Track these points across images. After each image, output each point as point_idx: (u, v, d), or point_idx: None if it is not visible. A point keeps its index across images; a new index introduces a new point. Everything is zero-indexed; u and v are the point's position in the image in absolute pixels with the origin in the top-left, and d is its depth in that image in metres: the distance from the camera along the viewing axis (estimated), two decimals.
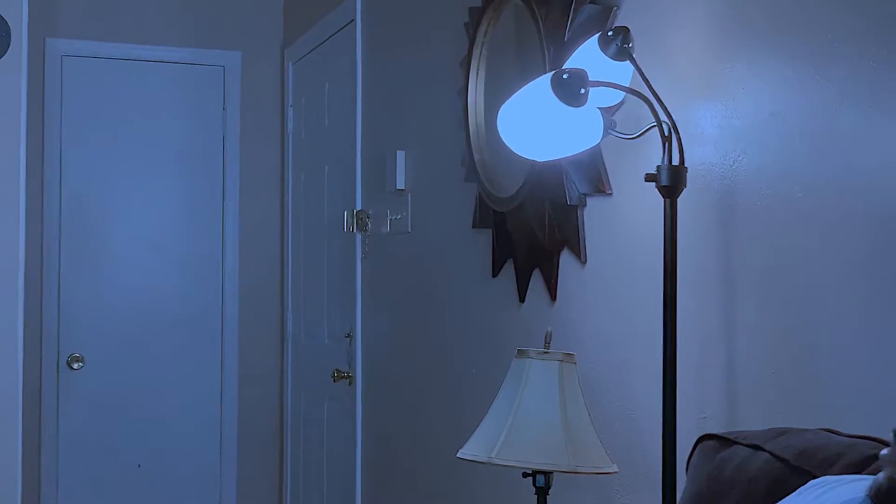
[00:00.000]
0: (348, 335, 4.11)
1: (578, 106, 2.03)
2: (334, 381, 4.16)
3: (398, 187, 3.65)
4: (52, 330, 4.59)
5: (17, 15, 3.39)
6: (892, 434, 1.16)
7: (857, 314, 1.84)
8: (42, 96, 4.55)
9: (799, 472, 1.55)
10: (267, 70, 4.88)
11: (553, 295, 2.71)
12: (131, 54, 4.74)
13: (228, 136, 4.87)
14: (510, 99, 2.12)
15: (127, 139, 4.74)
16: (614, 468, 2.15)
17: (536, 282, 2.79)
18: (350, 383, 4.09)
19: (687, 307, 2.13)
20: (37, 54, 4.48)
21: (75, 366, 4.59)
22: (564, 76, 2.01)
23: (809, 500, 1.36)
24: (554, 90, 2.00)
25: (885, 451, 1.20)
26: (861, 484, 1.34)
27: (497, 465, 2.08)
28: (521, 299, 2.86)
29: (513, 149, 2.17)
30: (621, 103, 2.35)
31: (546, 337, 2.19)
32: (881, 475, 1.18)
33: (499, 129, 2.16)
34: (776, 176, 2.01)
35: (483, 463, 2.10)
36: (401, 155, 3.66)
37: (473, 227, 3.11)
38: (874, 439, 1.56)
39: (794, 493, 1.41)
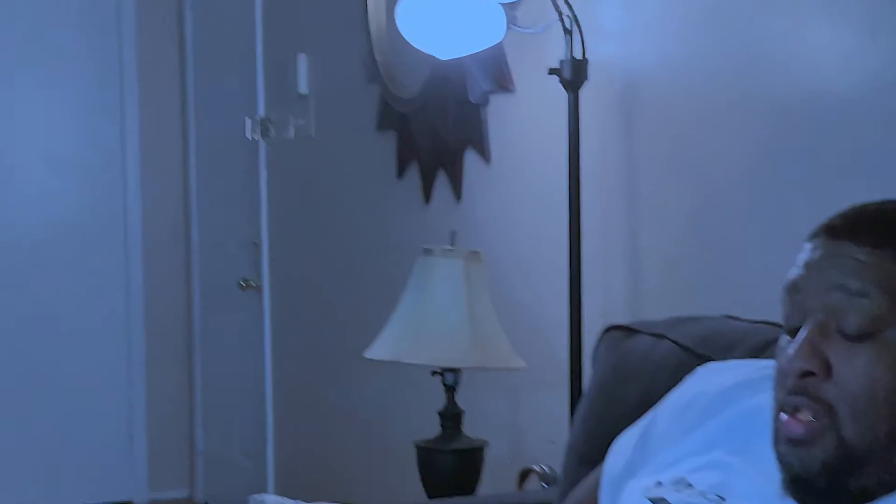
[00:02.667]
0: (255, 243, 4.06)
1: None
2: (242, 290, 4.12)
3: (301, 92, 3.59)
4: None
5: None
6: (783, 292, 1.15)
7: (757, 203, 1.86)
8: None
9: (701, 359, 1.57)
10: None
11: (458, 194, 2.70)
12: None
13: (124, 40, 4.73)
14: None
15: (14, 45, 4.58)
16: (521, 363, 2.17)
17: (441, 182, 2.78)
18: (257, 292, 4.05)
19: (591, 201, 2.14)
20: None
21: None
22: None
23: (696, 385, 1.38)
24: None
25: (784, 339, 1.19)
26: (746, 369, 1.36)
27: (405, 363, 2.08)
28: (427, 200, 2.84)
29: (413, 44, 2.14)
30: None
31: (451, 236, 2.18)
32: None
33: (398, 24, 2.12)
34: (676, 67, 2.01)
35: (392, 362, 2.10)
36: (302, 58, 3.59)
37: (378, 130, 3.07)
38: (774, 324, 1.58)
39: (684, 381, 1.42)
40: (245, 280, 4.11)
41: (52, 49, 4.61)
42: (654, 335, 1.70)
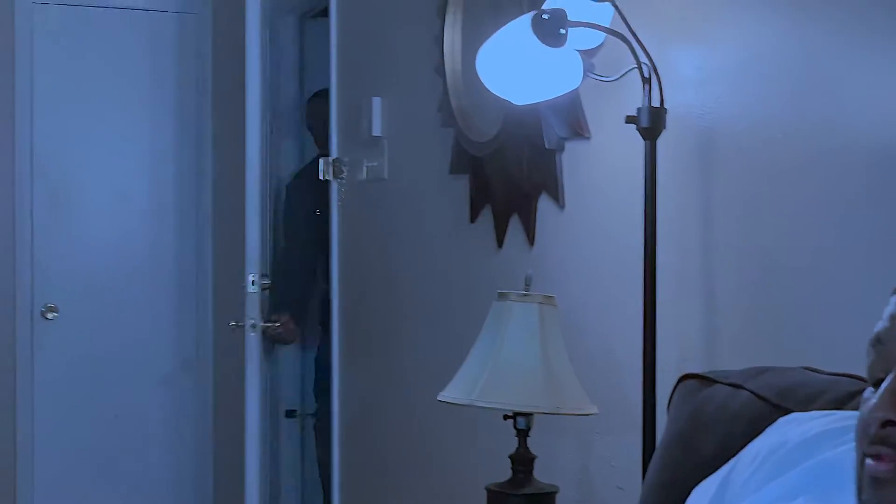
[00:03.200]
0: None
1: (558, 46, 2.02)
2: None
3: (374, 134, 3.63)
4: (25, 281, 4.56)
5: None
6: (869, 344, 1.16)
7: (836, 254, 1.85)
8: (12, 45, 4.49)
9: (780, 410, 1.56)
10: (237, 17, 4.83)
11: (531, 239, 2.71)
12: (103, 1, 4.68)
13: (200, 84, 4.83)
14: (489, 40, 2.11)
15: (98, 88, 4.69)
16: (595, 409, 2.17)
17: (514, 227, 2.79)
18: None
19: (666, 249, 2.14)
20: (6, 1, 4.43)
21: (50, 316, 4.57)
22: (544, 16, 2.00)
23: (778, 434, 1.38)
24: (534, 30, 2.00)
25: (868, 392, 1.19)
26: (828, 419, 1.36)
27: (478, 407, 2.09)
28: (500, 244, 2.85)
29: (492, 90, 2.16)
30: (600, 46, 2.34)
31: (526, 280, 2.19)
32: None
33: (478, 71, 2.15)
34: (756, 118, 2.01)
35: (464, 405, 2.11)
36: (377, 101, 3.63)
37: (451, 173, 3.10)
38: (854, 377, 1.57)
39: (765, 431, 1.42)
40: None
41: (134, 92, 4.72)
42: (731, 385, 1.69)
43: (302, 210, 4.50)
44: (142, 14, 4.75)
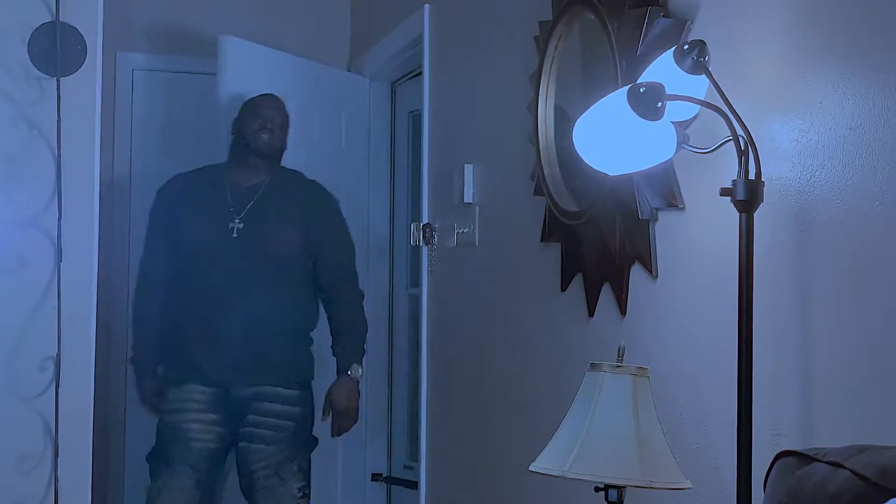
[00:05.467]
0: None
1: (655, 120, 2.03)
2: None
3: (466, 201, 3.66)
4: (121, 337, 4.64)
5: (93, 29, 3.43)
6: None
7: None
8: (113, 109, 4.61)
9: (881, 491, 1.53)
10: None
11: (623, 309, 2.70)
12: (199, 67, 4.77)
13: None
14: (586, 113, 2.13)
15: (195, 152, 4.77)
16: (688, 484, 2.14)
17: (606, 296, 2.78)
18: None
19: (761, 322, 2.12)
20: (108, 68, 4.55)
21: None
22: (641, 90, 2.01)
23: None
24: (630, 104, 2.01)
25: None
26: None
27: (570, 478, 2.08)
28: (591, 313, 2.85)
29: (588, 162, 2.17)
30: (694, 118, 2.34)
31: (619, 350, 2.18)
32: None
33: (574, 143, 2.16)
34: (855, 191, 1.99)
35: (556, 476, 2.09)
36: (468, 168, 3.66)
37: (542, 241, 3.10)
38: None
39: None
40: None
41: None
42: (830, 463, 1.66)
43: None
44: None
